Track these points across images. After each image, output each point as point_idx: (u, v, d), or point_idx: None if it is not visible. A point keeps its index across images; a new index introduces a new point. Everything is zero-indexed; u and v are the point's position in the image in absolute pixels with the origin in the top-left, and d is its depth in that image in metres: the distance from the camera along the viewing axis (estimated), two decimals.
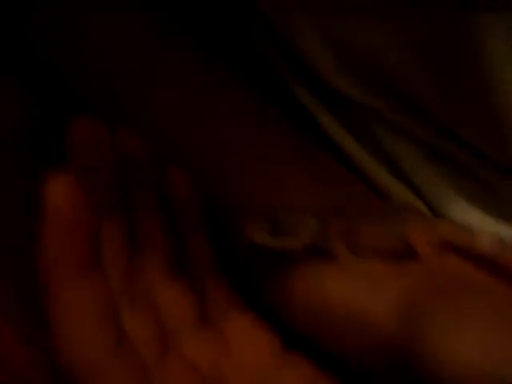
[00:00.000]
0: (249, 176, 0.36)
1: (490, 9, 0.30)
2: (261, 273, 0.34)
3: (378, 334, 0.31)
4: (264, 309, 0.34)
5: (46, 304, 0.29)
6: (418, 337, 0.30)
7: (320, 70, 0.38)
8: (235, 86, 0.39)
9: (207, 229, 0.36)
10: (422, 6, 0.32)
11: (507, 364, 0.28)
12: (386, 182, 0.39)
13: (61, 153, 0.31)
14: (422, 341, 0.30)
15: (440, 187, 0.38)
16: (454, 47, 0.32)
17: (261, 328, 0.34)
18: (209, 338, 0.33)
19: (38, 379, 0.40)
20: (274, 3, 0.37)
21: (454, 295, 0.31)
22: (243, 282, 0.35)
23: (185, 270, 0.34)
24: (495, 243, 0.33)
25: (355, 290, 0.32)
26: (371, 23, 0.34)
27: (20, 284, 0.41)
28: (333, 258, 0.33)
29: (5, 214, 0.42)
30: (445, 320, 0.30)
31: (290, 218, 0.32)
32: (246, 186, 0.36)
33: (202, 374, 0.32)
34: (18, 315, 0.41)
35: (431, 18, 0.32)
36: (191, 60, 0.39)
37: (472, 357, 0.29)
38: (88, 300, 0.29)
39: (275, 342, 0.34)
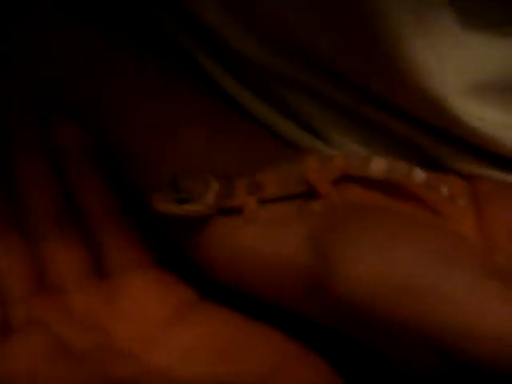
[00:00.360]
0: (150, 134, 0.38)
1: None
2: (177, 233, 0.37)
3: (291, 270, 0.33)
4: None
5: None
6: (325, 264, 0.31)
7: (223, 35, 0.39)
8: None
9: (102, 177, 0.38)
10: None
11: (400, 264, 0.30)
12: (296, 136, 0.41)
13: None
14: (329, 266, 0.31)
15: (348, 140, 0.40)
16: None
17: (164, 285, 0.37)
18: (95, 291, 0.36)
19: None
20: None
21: (353, 220, 0.33)
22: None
23: (76, 220, 0.37)
24: (384, 166, 0.36)
25: (265, 235, 0.34)
26: None
27: None
28: (241, 212, 0.35)
29: None
30: (343, 240, 0.31)
31: (191, 182, 0.34)
32: (147, 144, 0.38)
33: (79, 319, 0.34)
34: None
35: None
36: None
37: (372, 266, 0.30)
38: None
39: (182, 299, 0.36)
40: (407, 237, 0.31)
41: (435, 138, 0.38)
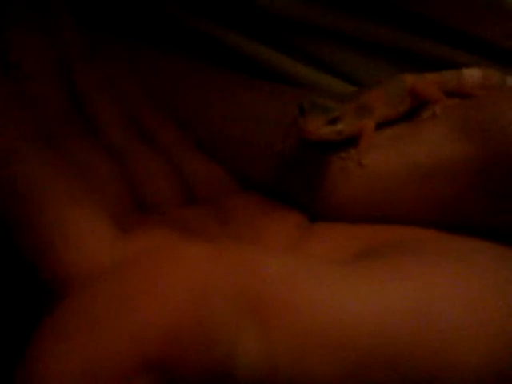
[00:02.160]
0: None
1: None
2: (291, 180, 0.33)
3: (452, 168, 0.30)
4: None
5: None
6: (500, 135, 0.29)
7: None
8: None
9: None
10: None
11: None
12: (315, 79, 0.38)
13: None
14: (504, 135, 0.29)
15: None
16: None
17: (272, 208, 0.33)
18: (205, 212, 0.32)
19: None
20: None
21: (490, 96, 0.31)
22: None
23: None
24: (479, 75, 0.35)
25: (401, 151, 0.31)
26: None
27: None
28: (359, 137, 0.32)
29: None
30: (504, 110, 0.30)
31: (331, 101, 0.31)
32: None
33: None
34: None
35: None
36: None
37: None
38: None
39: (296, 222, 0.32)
40: None
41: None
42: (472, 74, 0.35)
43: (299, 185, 0.33)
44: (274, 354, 0.19)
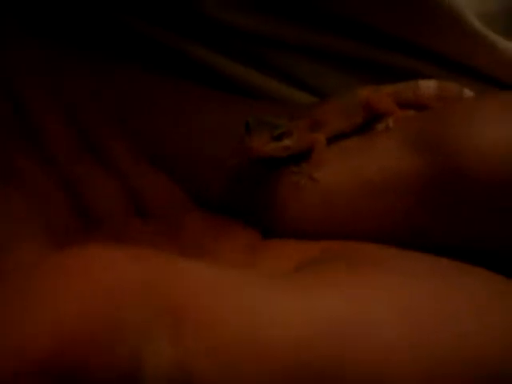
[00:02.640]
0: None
1: None
2: (247, 194, 0.33)
3: (400, 180, 0.30)
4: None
5: None
6: (445, 149, 0.29)
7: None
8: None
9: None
10: None
11: None
12: (283, 92, 0.38)
13: None
14: (451, 149, 0.29)
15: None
16: None
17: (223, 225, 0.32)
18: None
19: None
20: None
21: (447, 109, 0.32)
22: None
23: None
24: (435, 87, 0.35)
25: (353, 164, 0.31)
26: None
27: None
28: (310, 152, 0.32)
29: None
30: (454, 123, 0.30)
31: (277, 119, 0.30)
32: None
33: None
34: None
35: None
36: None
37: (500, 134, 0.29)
38: None
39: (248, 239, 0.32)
40: None
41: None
42: (428, 86, 0.34)
43: (252, 200, 0.32)
44: (188, 360, 0.19)
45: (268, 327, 0.19)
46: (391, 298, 0.22)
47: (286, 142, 0.31)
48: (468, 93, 0.34)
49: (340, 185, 0.31)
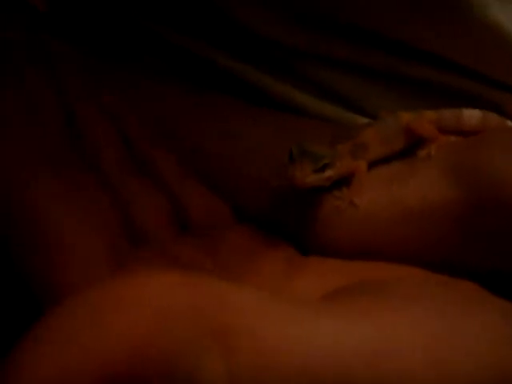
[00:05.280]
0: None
1: None
2: (284, 215, 0.33)
3: (439, 209, 0.31)
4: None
5: None
6: (488, 180, 0.29)
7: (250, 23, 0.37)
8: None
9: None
10: None
11: None
12: (321, 110, 0.38)
13: None
14: (493, 180, 0.29)
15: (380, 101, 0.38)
16: None
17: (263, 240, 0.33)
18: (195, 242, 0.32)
19: None
20: None
21: (486, 138, 0.32)
22: None
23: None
24: (479, 117, 0.35)
25: (394, 192, 0.31)
26: None
27: None
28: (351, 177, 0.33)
29: None
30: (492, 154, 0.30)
31: (320, 147, 0.31)
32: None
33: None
34: None
35: None
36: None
37: None
38: None
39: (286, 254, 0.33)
40: None
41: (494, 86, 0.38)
42: (472, 115, 0.34)
43: (293, 221, 0.33)
44: (237, 378, 0.20)
45: (319, 356, 0.20)
46: (419, 330, 0.23)
47: (329, 172, 0.31)
48: (510, 124, 0.35)
49: (379, 211, 0.31)
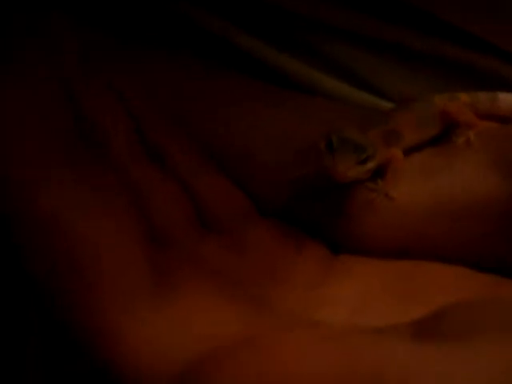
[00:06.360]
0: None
1: None
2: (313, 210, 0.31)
3: (484, 205, 0.29)
4: None
5: None
6: None
7: None
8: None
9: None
10: None
11: None
12: (344, 93, 0.36)
13: None
14: None
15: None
16: None
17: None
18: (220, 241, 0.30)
19: None
20: None
21: None
22: None
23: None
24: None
25: (432, 184, 0.29)
26: None
27: None
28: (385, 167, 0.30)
29: None
30: None
31: (362, 137, 0.28)
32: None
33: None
34: None
35: None
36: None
37: None
38: None
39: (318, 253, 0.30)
40: None
41: None
42: (507, 99, 0.32)
43: (319, 216, 0.30)
44: None
45: None
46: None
47: (370, 165, 0.29)
48: None
49: (417, 205, 0.29)
